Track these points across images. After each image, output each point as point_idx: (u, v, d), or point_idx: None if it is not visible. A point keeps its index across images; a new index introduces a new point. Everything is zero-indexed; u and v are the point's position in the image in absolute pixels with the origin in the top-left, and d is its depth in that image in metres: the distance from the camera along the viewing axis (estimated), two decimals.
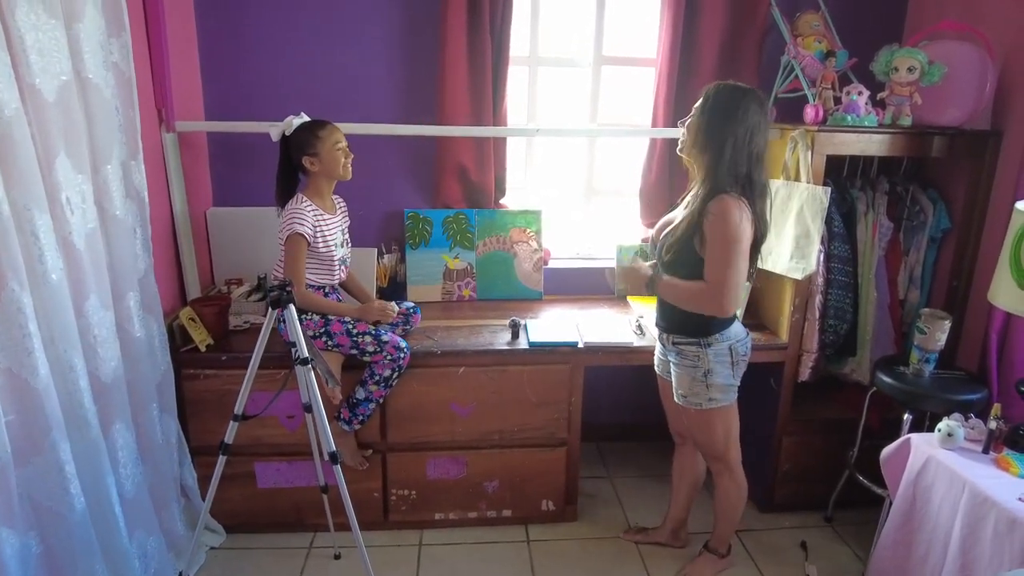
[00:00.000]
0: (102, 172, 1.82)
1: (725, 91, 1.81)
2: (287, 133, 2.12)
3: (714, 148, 1.79)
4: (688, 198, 1.98)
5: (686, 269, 1.89)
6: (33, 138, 1.52)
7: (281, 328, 2.12)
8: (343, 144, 2.13)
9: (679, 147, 1.94)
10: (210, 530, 2.35)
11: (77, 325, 1.69)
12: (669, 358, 2.06)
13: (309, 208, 2.11)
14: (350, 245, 2.32)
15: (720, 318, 1.92)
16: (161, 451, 2.10)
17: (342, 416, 2.22)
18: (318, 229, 2.12)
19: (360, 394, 2.20)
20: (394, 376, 2.19)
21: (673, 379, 2.06)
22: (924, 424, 2.25)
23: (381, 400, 2.23)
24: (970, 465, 1.81)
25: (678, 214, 1.97)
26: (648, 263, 2.12)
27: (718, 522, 2.25)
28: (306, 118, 2.15)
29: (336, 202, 2.27)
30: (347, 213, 2.33)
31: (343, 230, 2.26)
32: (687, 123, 1.89)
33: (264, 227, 2.56)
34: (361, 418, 2.22)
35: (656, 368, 2.21)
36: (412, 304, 2.45)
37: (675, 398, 2.06)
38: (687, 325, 1.96)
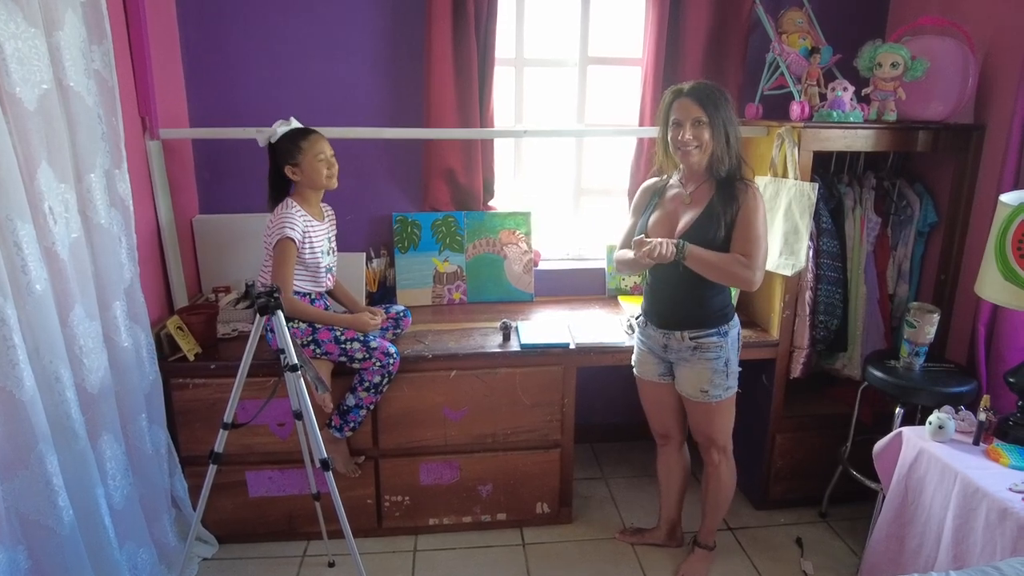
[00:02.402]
0: (85, 181, 1.80)
1: (717, 86, 1.90)
2: (272, 140, 2.10)
3: (732, 142, 1.89)
4: (683, 193, 1.98)
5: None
6: (14, 148, 1.51)
7: (269, 338, 2.11)
8: (325, 155, 2.10)
9: (701, 157, 1.89)
10: (202, 540, 2.33)
11: (63, 336, 1.68)
12: (677, 356, 2.04)
13: (299, 213, 2.10)
14: (336, 253, 2.30)
15: (731, 305, 2.02)
16: (151, 461, 2.08)
17: (333, 423, 2.21)
18: (306, 235, 2.10)
19: (350, 401, 2.18)
20: (384, 382, 2.18)
21: (687, 377, 2.04)
22: (916, 417, 2.26)
23: (372, 406, 2.21)
24: (961, 457, 1.82)
25: (680, 211, 1.97)
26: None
27: (710, 514, 2.26)
28: (295, 124, 2.13)
29: (324, 210, 2.26)
30: (335, 221, 2.32)
31: (330, 238, 2.24)
32: (702, 132, 1.86)
33: (251, 234, 2.55)
34: (352, 425, 2.21)
35: (640, 371, 2.18)
36: (402, 308, 2.43)
37: (693, 396, 2.05)
38: (709, 318, 1.97)
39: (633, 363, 2.22)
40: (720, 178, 1.92)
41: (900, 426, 2.09)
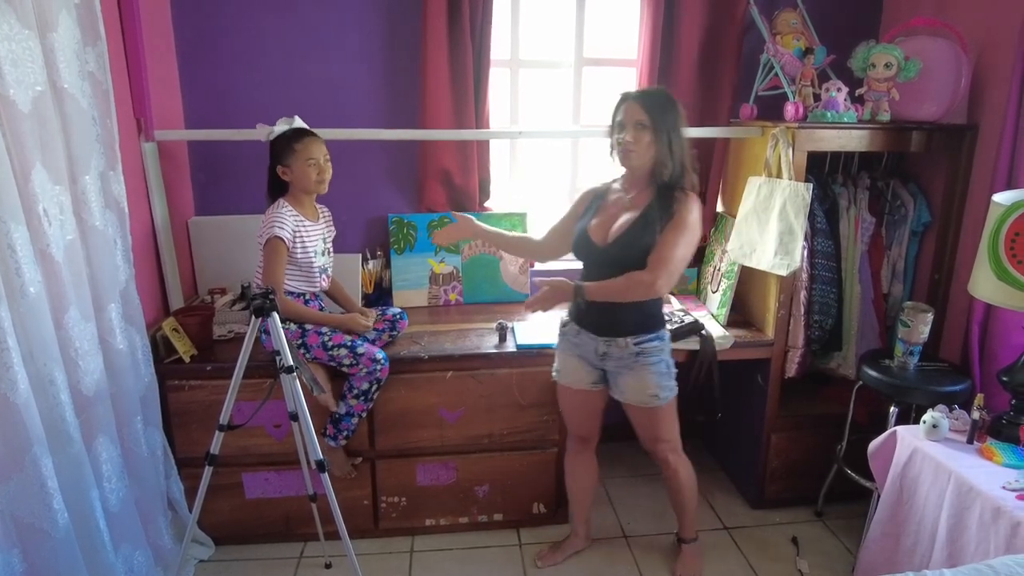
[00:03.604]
0: (80, 183, 1.80)
1: (667, 93, 1.91)
2: (270, 138, 2.10)
3: (675, 149, 1.88)
4: (624, 197, 1.98)
5: (633, 262, 1.89)
6: (8, 150, 1.50)
7: (264, 339, 2.10)
8: (316, 160, 2.07)
9: (638, 158, 1.89)
10: (198, 542, 2.32)
11: (57, 338, 1.67)
12: (618, 364, 2.00)
13: (289, 213, 2.09)
14: (332, 254, 2.28)
15: (659, 307, 2.01)
16: (146, 464, 2.08)
17: (327, 432, 2.20)
18: (297, 234, 2.09)
19: (341, 409, 2.17)
20: (373, 389, 2.16)
21: (632, 385, 2.01)
22: (910, 416, 2.27)
23: (363, 414, 2.20)
24: (955, 455, 1.83)
25: (619, 215, 1.96)
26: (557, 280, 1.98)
27: (685, 512, 2.26)
28: (299, 123, 2.12)
29: (320, 211, 2.25)
30: (332, 223, 2.31)
31: (325, 239, 2.22)
32: (643, 135, 1.85)
33: (246, 236, 2.53)
34: (346, 433, 2.20)
35: (568, 380, 2.12)
36: (398, 310, 2.42)
37: (642, 402, 2.02)
38: (649, 322, 1.97)
39: (555, 371, 2.17)
40: (661, 184, 1.90)
41: (894, 425, 2.10)
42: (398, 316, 2.39)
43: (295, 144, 2.07)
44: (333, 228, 2.32)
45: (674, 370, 2.05)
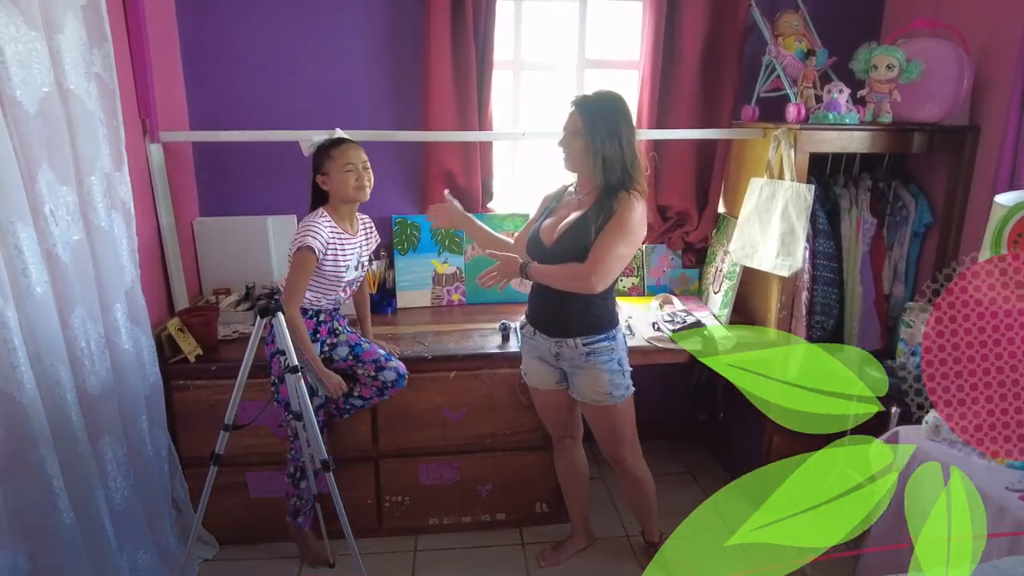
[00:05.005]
0: (86, 183, 1.81)
1: (610, 99, 1.89)
2: (311, 150, 2.06)
3: (615, 152, 1.86)
4: (575, 199, 1.99)
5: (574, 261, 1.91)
6: (15, 151, 1.51)
7: (268, 348, 2.07)
8: (353, 164, 2.00)
9: (573, 164, 1.92)
10: (203, 542, 2.33)
11: (63, 338, 1.68)
12: (571, 364, 2.01)
13: (326, 223, 2.01)
14: (365, 268, 2.19)
15: (615, 312, 2.01)
16: (151, 463, 2.08)
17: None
18: (330, 246, 2.00)
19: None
20: (296, 475, 2.09)
21: (585, 384, 2.01)
22: (911, 417, 2.27)
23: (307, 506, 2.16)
24: (957, 456, 1.83)
25: (568, 215, 1.97)
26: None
27: (652, 513, 2.27)
28: (340, 134, 2.09)
29: (360, 222, 2.16)
30: (372, 233, 2.21)
31: (360, 253, 2.13)
32: (575, 142, 1.87)
33: (251, 236, 2.56)
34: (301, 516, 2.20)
35: (535, 382, 2.14)
36: (395, 373, 2.17)
37: (596, 400, 2.02)
38: (598, 323, 1.97)
39: (523, 372, 2.18)
40: (605, 186, 1.90)
41: (896, 425, 2.10)
42: (390, 384, 2.17)
43: (332, 150, 2.01)
44: (375, 238, 2.23)
45: (628, 369, 2.04)
